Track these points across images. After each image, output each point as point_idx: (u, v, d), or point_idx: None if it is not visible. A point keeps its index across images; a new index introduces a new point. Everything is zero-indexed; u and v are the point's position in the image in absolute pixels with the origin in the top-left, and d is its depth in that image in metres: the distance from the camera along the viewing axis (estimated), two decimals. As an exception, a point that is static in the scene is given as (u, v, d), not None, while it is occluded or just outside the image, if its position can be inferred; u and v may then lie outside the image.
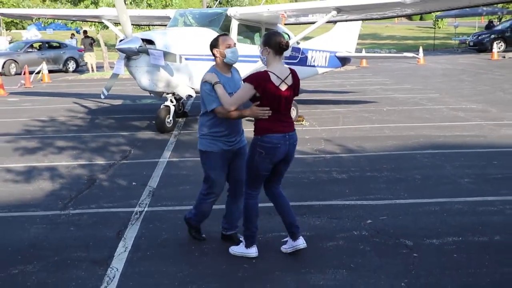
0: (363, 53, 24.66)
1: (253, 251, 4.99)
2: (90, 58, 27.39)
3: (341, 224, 5.82)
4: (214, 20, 12.17)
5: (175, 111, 11.58)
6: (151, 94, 12.12)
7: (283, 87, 4.71)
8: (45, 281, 4.61)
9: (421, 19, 70.52)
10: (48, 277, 4.68)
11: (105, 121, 12.97)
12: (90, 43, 27.31)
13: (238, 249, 5.07)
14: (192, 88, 11.22)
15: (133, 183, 7.54)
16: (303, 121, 11.91)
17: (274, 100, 4.68)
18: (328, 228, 5.72)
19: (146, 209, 6.43)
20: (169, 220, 6.04)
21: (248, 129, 5.24)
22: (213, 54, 5.06)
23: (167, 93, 11.32)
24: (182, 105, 13.35)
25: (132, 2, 26.25)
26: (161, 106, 11.39)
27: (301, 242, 5.00)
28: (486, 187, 7.00)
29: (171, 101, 11.37)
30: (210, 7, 38.36)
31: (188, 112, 13.66)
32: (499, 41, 32.38)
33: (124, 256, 5.07)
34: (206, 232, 5.61)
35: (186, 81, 11.07)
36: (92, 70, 27.36)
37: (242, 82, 4.88)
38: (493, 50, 29.34)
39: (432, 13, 44.70)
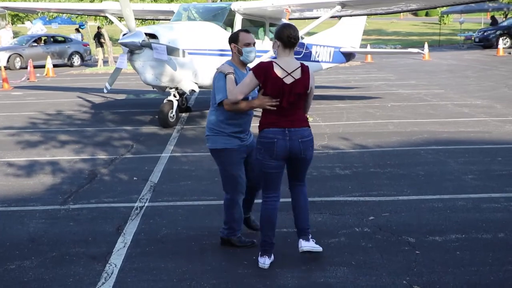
0: (368, 49, 24.49)
1: (261, 261, 4.68)
2: (99, 54, 27.87)
3: (343, 220, 5.76)
4: (218, 15, 12.10)
5: (178, 106, 11.54)
6: (154, 89, 12.07)
7: (288, 80, 4.53)
8: (42, 277, 4.56)
9: (426, 15, 70.12)
10: (45, 272, 4.63)
11: (109, 116, 12.94)
12: (98, 38, 27.67)
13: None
14: (196, 83, 11.17)
15: (134, 178, 7.49)
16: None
17: (276, 92, 4.53)
18: (330, 225, 5.66)
19: (146, 204, 6.38)
20: (169, 216, 5.99)
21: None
22: (231, 49, 4.95)
23: (170, 88, 11.26)
24: (186, 100, 13.28)
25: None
26: (164, 101, 11.33)
27: (308, 245, 4.78)
28: (490, 183, 6.92)
29: (174, 96, 11.32)
30: (215, 1, 38.23)
31: (192, 107, 13.59)
32: (504, 37, 32.08)
33: (123, 252, 5.02)
34: (207, 227, 5.59)
35: (189, 76, 11.01)
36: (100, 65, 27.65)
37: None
38: (499, 46, 29.12)
39: (438, 9, 44.47)
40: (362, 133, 10.13)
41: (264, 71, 4.54)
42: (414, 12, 67.98)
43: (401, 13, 56.46)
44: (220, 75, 4.78)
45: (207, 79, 11.32)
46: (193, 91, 11.38)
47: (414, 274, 4.49)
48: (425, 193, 6.62)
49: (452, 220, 5.68)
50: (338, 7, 11.41)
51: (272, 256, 4.74)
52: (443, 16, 47.61)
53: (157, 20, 20.54)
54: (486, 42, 33.18)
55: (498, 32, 32.81)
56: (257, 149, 4.68)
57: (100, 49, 27.80)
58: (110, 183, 7.34)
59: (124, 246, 5.16)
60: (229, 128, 4.87)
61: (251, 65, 4.97)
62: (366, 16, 16.79)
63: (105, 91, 12.03)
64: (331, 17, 12.37)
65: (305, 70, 4.64)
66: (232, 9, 11.87)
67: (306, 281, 4.42)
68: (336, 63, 15.63)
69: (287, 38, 4.56)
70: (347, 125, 11.01)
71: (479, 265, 4.62)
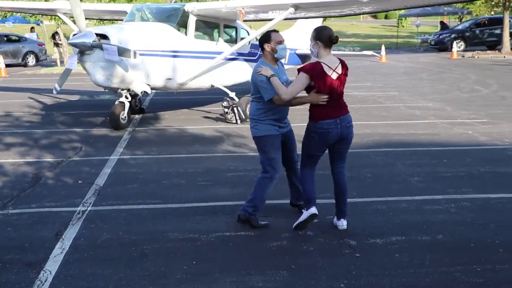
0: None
1: (312, 210, 5.46)
2: (56, 54, 27.74)
3: (287, 223, 5.71)
4: (171, 16, 12.00)
5: (130, 107, 11.38)
6: (106, 90, 11.89)
7: (334, 76, 5.16)
8: (-30, 286, 4.42)
9: (386, 17, 71.17)
10: (-26, 281, 4.49)
11: (60, 117, 12.70)
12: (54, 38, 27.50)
13: (302, 217, 5.51)
14: (148, 85, 11.05)
15: (79, 182, 7.34)
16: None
17: (328, 89, 5.14)
18: (273, 228, 5.64)
19: (89, 208, 6.26)
20: (111, 220, 5.88)
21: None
22: (263, 49, 5.45)
23: (122, 89, 11.10)
24: (139, 102, 13.12)
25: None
26: (116, 102, 11.16)
27: (340, 224, 5.55)
28: (434, 185, 7.01)
29: (126, 97, 11.16)
30: (171, 1, 38.01)
31: (146, 108, 13.44)
32: (459, 40, 32.85)
33: (59, 258, 4.89)
34: (149, 232, 5.50)
35: (141, 77, 10.87)
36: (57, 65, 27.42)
37: (298, 72, 5.23)
38: (453, 49, 29.72)
39: (396, 12, 45.12)
40: (314, 135, 10.13)
41: (316, 72, 5.12)
42: (374, 15, 68.91)
43: (361, 16, 57.16)
44: (262, 78, 5.29)
45: (159, 81, 11.23)
46: (145, 92, 11.24)
47: (352, 277, 4.50)
48: (371, 195, 6.67)
49: (394, 222, 5.73)
50: (292, 9, 11.43)
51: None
52: (401, 19, 48.36)
53: (114, 20, 20.27)
54: (441, 45, 33.85)
55: (452, 36, 33.47)
56: (310, 137, 5.41)
57: (56, 48, 27.52)
58: (53, 186, 7.18)
59: (62, 252, 5.03)
60: (268, 117, 5.47)
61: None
62: (322, 19, 16.89)
63: (54, 92, 11.78)
64: (287, 19, 12.40)
65: (344, 65, 5.29)
66: (186, 10, 11.79)
67: (244, 285, 4.38)
68: (291, 65, 15.64)
69: (329, 39, 5.16)
70: (299, 128, 10.98)
71: (416, 267, 4.66)
